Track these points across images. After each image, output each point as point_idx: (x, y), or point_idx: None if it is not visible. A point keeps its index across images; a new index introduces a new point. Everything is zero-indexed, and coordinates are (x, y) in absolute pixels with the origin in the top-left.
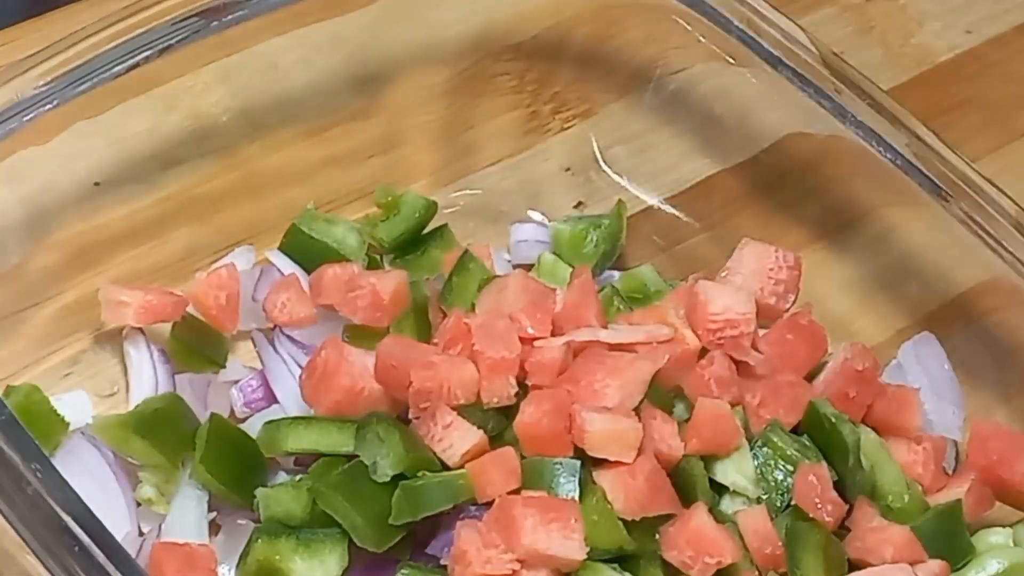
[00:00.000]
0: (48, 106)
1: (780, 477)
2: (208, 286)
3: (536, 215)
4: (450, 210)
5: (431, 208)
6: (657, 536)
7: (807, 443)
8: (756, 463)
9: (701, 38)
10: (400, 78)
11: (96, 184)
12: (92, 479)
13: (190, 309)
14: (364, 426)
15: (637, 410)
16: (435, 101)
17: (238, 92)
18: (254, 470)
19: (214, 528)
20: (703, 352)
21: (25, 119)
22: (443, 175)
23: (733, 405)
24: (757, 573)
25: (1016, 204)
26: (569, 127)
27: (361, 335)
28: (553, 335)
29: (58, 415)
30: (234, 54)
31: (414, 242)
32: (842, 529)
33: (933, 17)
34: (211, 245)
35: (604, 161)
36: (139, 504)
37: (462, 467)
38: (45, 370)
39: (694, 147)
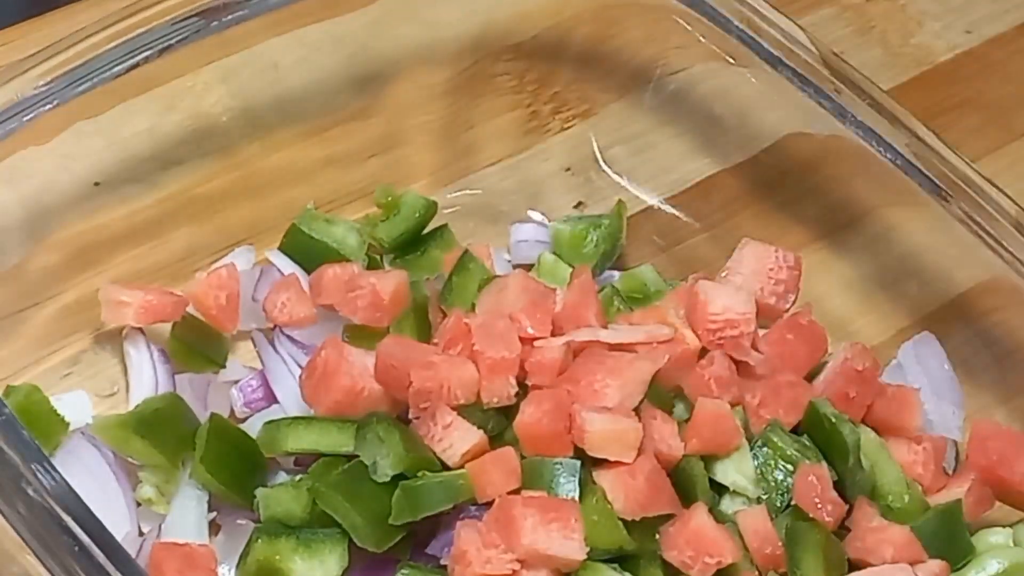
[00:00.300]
0: (48, 106)
1: (780, 477)
2: (208, 286)
3: (536, 215)
4: (450, 210)
5: (431, 208)
6: (657, 536)
7: (807, 443)
8: (756, 463)
9: (701, 38)
10: (400, 78)
11: (96, 184)
12: (92, 479)
13: (190, 309)
14: (364, 426)
15: (637, 410)
16: (435, 101)
17: (238, 92)
18: (254, 470)
19: (214, 528)
20: (703, 352)
21: (25, 119)
22: (443, 175)
23: (733, 405)
24: (757, 573)
25: (1016, 204)
26: (569, 127)
27: (361, 335)
28: (553, 335)
29: (58, 415)
30: (234, 54)
31: (414, 242)
32: (842, 529)
33: (933, 17)
34: (211, 245)
35: (604, 161)
36: (139, 504)
37: (462, 467)
38: (45, 370)
39: (694, 147)
